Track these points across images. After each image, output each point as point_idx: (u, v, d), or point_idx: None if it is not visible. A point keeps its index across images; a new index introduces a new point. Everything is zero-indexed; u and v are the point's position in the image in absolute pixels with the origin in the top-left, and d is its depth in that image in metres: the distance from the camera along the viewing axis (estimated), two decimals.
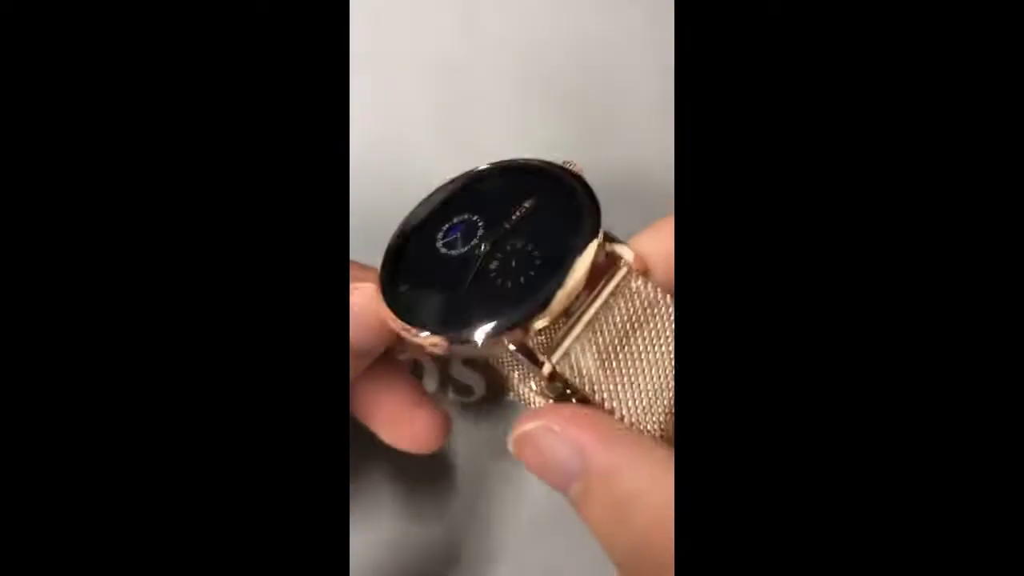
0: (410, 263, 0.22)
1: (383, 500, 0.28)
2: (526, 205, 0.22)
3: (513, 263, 0.21)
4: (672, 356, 0.20)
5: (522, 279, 0.20)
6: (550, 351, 0.20)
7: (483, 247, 0.21)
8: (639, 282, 0.21)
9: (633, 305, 0.20)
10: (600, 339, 0.20)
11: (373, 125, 0.24)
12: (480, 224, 0.22)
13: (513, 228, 0.21)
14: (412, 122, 0.27)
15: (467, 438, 0.29)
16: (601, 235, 0.20)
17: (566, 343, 0.20)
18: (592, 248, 0.20)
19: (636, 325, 0.20)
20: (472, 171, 0.23)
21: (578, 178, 0.22)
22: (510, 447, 0.20)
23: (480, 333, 0.19)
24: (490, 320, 0.19)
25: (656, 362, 0.20)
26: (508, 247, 0.21)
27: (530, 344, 0.20)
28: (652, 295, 0.21)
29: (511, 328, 0.20)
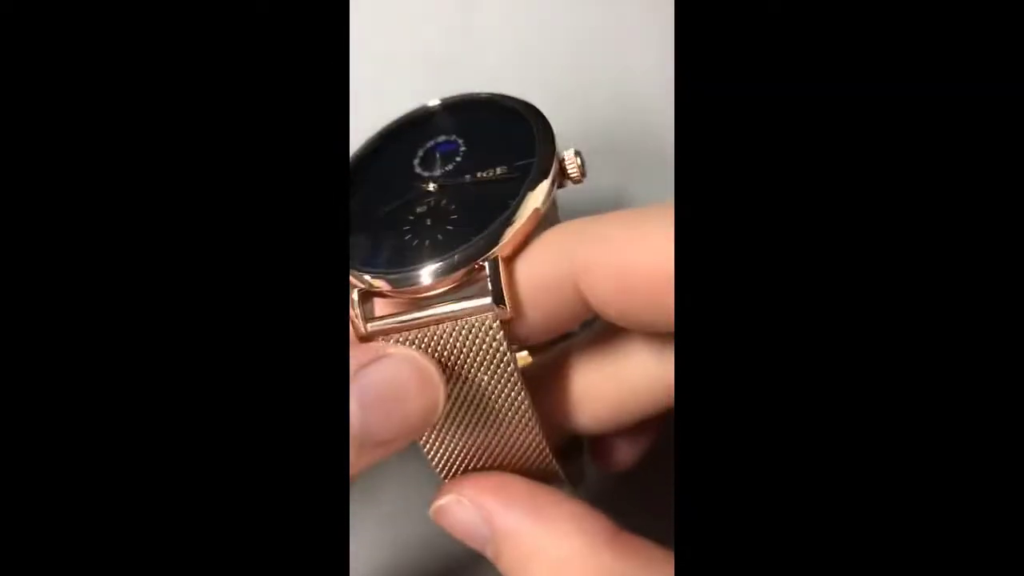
0: (378, 174, 0.22)
1: (383, 500, 0.28)
2: (497, 170, 0.21)
3: (428, 220, 0.20)
4: (476, 414, 0.20)
5: (415, 242, 0.20)
6: (371, 320, 0.20)
7: (431, 186, 0.21)
8: (491, 323, 0.19)
9: (473, 339, 0.19)
10: (420, 341, 0.19)
11: (373, 122, 0.24)
12: (460, 155, 0.21)
13: (473, 181, 0.21)
14: None
15: None
16: (499, 248, 0.19)
17: (385, 322, 0.20)
18: (477, 264, 0.19)
19: (459, 356, 0.19)
20: (483, 95, 0.23)
21: (551, 172, 0.20)
22: (432, 518, 0.21)
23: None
24: (359, 262, 0.20)
25: (462, 406, 0.20)
26: (443, 200, 0.21)
27: (361, 307, 0.20)
28: (491, 343, 0.19)
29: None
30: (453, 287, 0.20)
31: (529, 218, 0.19)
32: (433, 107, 0.23)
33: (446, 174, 0.21)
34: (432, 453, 0.21)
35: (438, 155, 0.22)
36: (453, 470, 0.22)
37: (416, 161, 0.22)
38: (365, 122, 0.23)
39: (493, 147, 0.21)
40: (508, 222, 0.19)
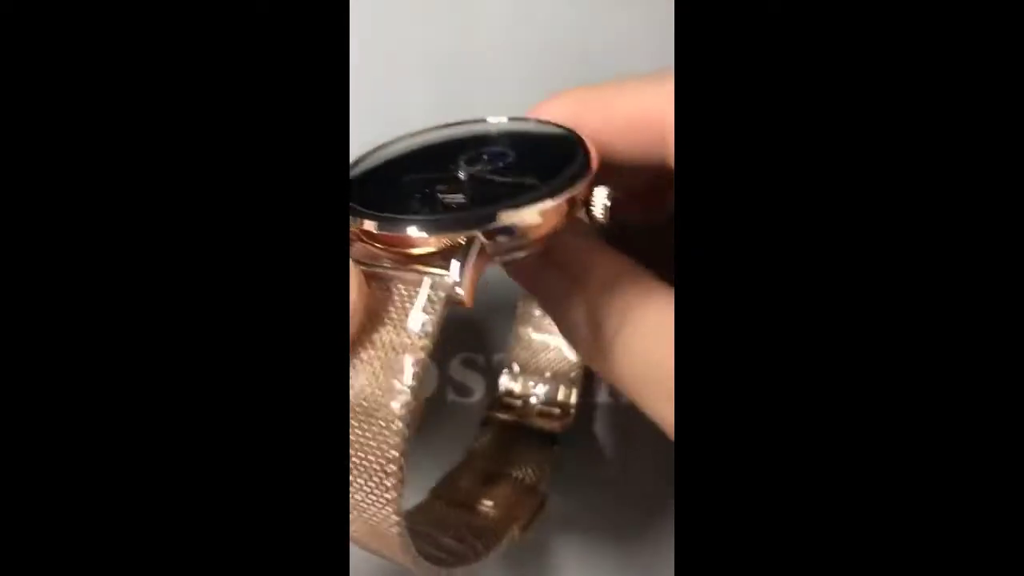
0: (421, 152, 0.22)
1: None
2: (526, 180, 0.20)
3: (440, 195, 0.20)
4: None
5: (419, 200, 0.20)
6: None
7: (462, 175, 0.21)
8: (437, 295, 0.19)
9: (402, 307, 0.19)
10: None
11: (374, 122, 0.23)
12: (507, 160, 0.21)
13: (501, 182, 0.20)
14: (412, 119, 0.27)
15: (467, 438, 0.29)
16: (488, 227, 0.19)
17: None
18: (462, 236, 0.19)
19: (382, 318, 0.19)
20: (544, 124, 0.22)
21: (562, 197, 0.20)
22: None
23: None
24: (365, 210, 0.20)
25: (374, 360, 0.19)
26: (464, 187, 0.20)
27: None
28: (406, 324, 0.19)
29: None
30: (432, 252, 0.19)
31: (525, 228, 0.19)
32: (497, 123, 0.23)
33: (482, 170, 0.21)
34: None
35: (485, 156, 0.21)
36: None
37: (463, 160, 0.21)
38: (365, 122, 0.23)
39: (538, 164, 0.21)
40: (507, 213, 0.19)
